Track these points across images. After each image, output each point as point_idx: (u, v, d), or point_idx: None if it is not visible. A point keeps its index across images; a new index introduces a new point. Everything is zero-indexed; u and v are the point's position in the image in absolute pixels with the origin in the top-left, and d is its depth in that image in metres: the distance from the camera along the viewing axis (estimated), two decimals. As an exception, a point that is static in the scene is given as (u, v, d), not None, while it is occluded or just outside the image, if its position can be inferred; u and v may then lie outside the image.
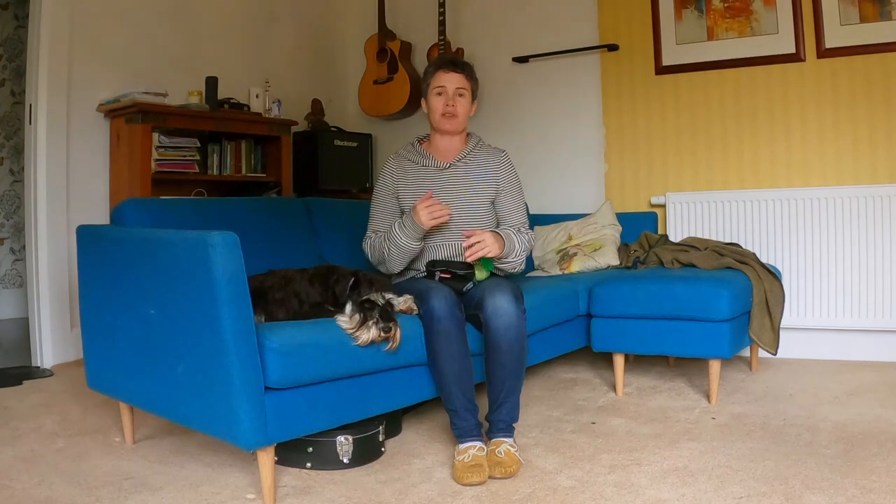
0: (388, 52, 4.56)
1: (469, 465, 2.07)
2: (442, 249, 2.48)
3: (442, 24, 4.35)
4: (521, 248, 2.46)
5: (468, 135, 2.63)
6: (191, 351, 1.93)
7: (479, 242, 2.29)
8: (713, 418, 2.62)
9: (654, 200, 3.91)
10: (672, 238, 3.72)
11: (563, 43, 4.19)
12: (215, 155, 4.01)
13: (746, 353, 3.43)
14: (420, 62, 4.62)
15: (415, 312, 2.27)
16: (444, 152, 2.59)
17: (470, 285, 2.41)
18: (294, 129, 4.38)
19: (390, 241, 2.42)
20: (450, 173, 2.55)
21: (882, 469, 2.06)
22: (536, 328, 2.75)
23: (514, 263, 2.47)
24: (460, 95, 2.52)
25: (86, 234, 2.39)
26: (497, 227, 2.56)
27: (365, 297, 2.11)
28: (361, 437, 2.20)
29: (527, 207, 2.97)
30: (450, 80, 2.51)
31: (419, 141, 2.65)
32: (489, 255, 2.32)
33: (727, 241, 3.62)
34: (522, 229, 2.54)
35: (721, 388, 2.97)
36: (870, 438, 2.32)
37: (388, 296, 2.19)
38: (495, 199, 2.57)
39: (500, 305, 2.21)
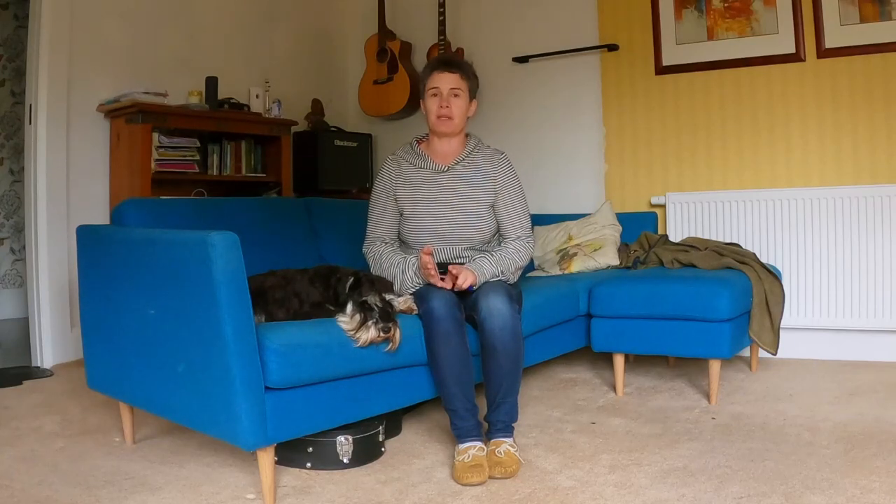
0: (388, 52, 4.56)
1: (469, 466, 2.07)
2: (442, 253, 2.46)
3: (442, 24, 4.35)
4: (506, 266, 2.40)
5: (467, 136, 2.57)
6: (191, 351, 1.94)
7: (458, 276, 2.28)
8: (713, 418, 2.62)
9: (654, 200, 3.91)
10: (672, 238, 3.72)
11: (563, 43, 4.19)
12: (215, 155, 4.01)
13: (746, 353, 3.43)
14: (420, 62, 4.61)
15: (415, 312, 2.27)
16: (442, 155, 2.53)
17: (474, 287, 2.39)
18: (294, 129, 4.38)
19: (402, 279, 2.37)
20: (448, 177, 2.49)
21: (882, 469, 2.06)
22: (536, 328, 2.75)
23: (507, 277, 2.43)
24: (455, 96, 2.45)
25: (86, 234, 2.39)
26: (497, 231, 2.54)
27: (365, 298, 2.11)
28: (361, 437, 2.20)
29: (527, 208, 2.97)
30: (443, 81, 2.44)
31: (417, 141, 2.59)
32: (468, 283, 2.29)
33: (727, 241, 3.61)
34: (522, 237, 2.48)
35: (721, 388, 2.97)
36: (870, 438, 2.32)
37: (389, 296, 2.19)
38: (494, 202, 2.51)
39: (495, 306, 2.20)
